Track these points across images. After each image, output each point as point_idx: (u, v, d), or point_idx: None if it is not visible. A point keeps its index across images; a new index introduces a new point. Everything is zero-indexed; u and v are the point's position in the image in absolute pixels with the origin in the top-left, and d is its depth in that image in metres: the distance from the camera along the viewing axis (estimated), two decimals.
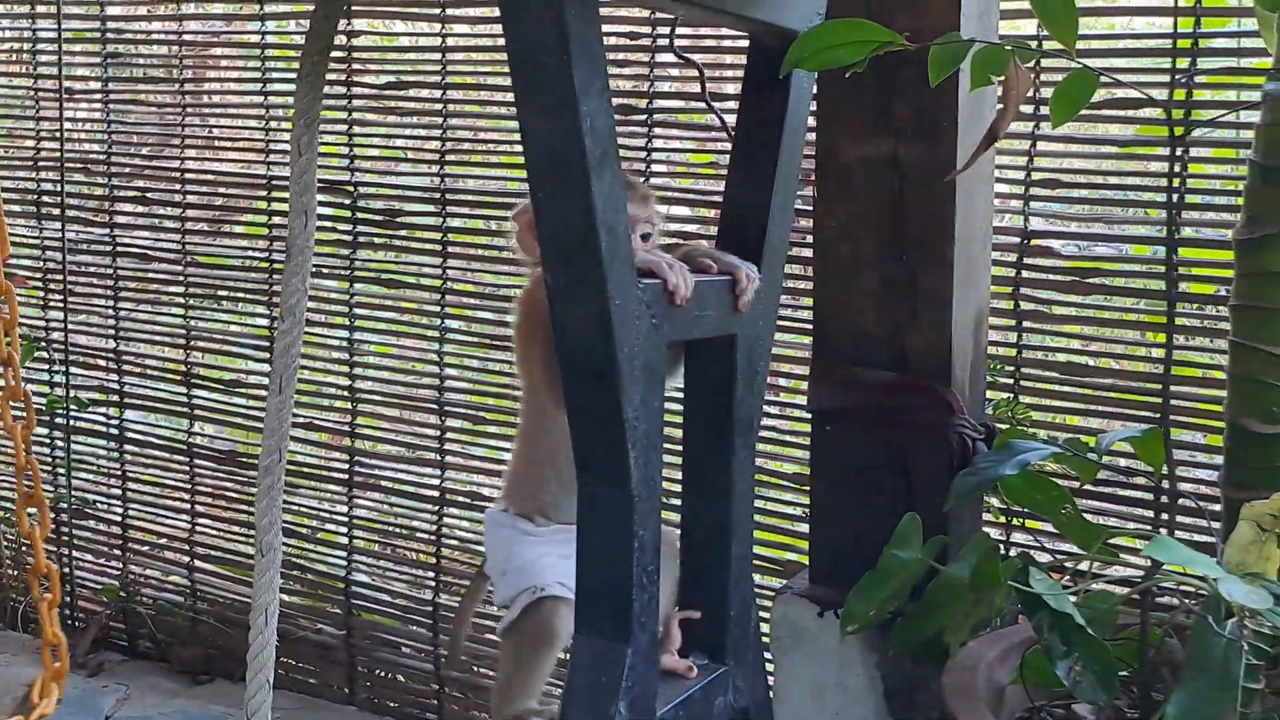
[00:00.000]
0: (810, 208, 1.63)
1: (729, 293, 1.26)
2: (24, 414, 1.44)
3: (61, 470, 2.71)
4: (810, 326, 1.62)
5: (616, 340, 1.08)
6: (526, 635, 1.44)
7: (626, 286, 1.09)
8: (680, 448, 1.35)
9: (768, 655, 1.60)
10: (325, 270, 2.37)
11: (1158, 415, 1.63)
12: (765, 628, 1.62)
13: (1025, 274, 1.74)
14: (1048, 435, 1.62)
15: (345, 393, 2.38)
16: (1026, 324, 1.75)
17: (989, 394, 1.70)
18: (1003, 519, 1.74)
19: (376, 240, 2.33)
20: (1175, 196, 1.64)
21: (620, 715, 1.13)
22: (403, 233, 2.30)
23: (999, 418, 1.69)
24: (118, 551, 2.70)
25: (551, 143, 1.03)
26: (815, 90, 1.54)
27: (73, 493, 2.70)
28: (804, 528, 1.83)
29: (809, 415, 1.62)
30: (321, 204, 2.36)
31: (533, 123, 1.04)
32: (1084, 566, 1.35)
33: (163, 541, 2.66)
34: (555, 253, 1.07)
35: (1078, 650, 1.12)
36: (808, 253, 1.73)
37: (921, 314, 1.52)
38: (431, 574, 2.32)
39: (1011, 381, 1.75)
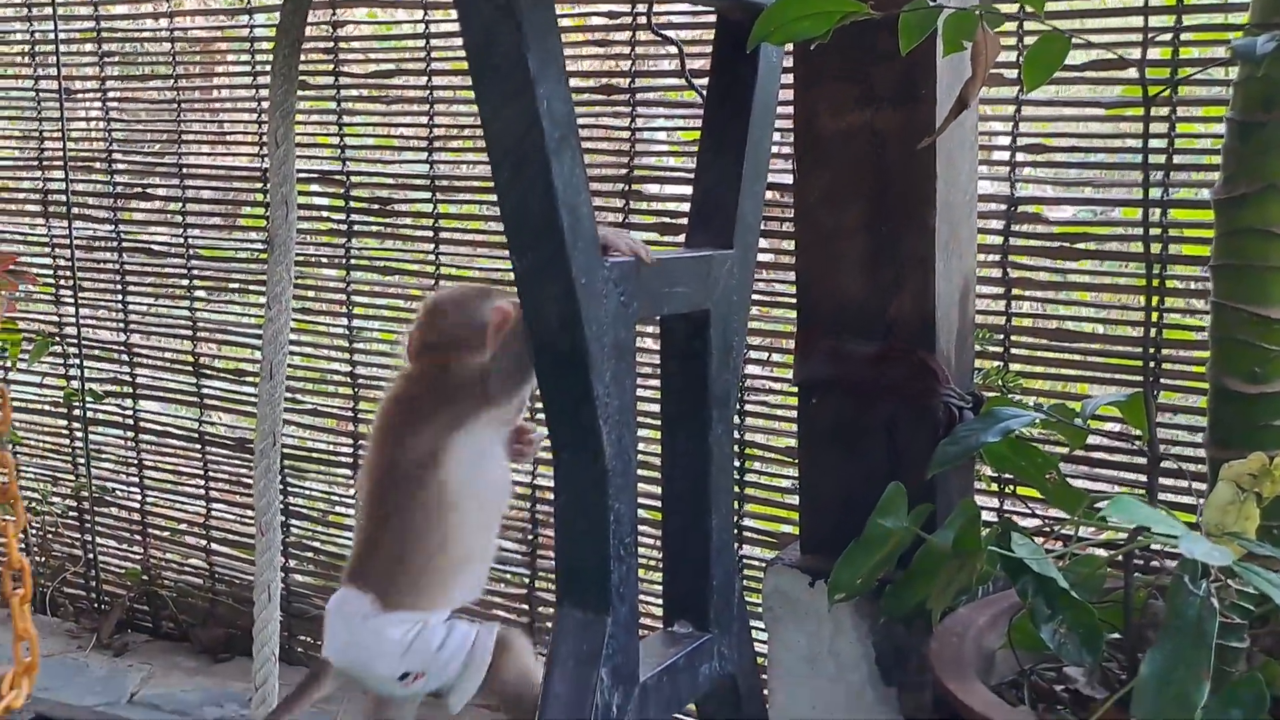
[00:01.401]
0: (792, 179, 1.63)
1: (701, 268, 1.27)
2: None
3: (81, 460, 2.78)
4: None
5: (584, 319, 1.09)
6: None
7: (592, 266, 1.11)
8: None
9: (761, 625, 1.62)
10: (324, 260, 2.40)
11: (1151, 379, 1.62)
12: (758, 598, 1.64)
13: (1013, 241, 1.73)
14: (1036, 402, 1.62)
15: (348, 379, 2.42)
16: (1015, 291, 1.74)
17: (978, 362, 1.70)
18: (995, 486, 1.74)
19: (371, 228, 2.35)
20: (1165, 158, 1.62)
21: (603, 682, 1.16)
22: (395, 220, 2.32)
23: (988, 386, 1.69)
24: (138, 537, 2.76)
25: (510, 128, 1.04)
26: (791, 61, 1.53)
27: (93, 481, 2.77)
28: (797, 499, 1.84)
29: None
30: (315, 194, 2.39)
31: (490, 109, 1.05)
32: (1070, 531, 1.35)
33: (181, 526, 2.72)
34: (519, 237, 1.09)
35: (1062, 613, 1.13)
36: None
37: (905, 283, 1.52)
38: None
39: (1001, 350, 1.75)
